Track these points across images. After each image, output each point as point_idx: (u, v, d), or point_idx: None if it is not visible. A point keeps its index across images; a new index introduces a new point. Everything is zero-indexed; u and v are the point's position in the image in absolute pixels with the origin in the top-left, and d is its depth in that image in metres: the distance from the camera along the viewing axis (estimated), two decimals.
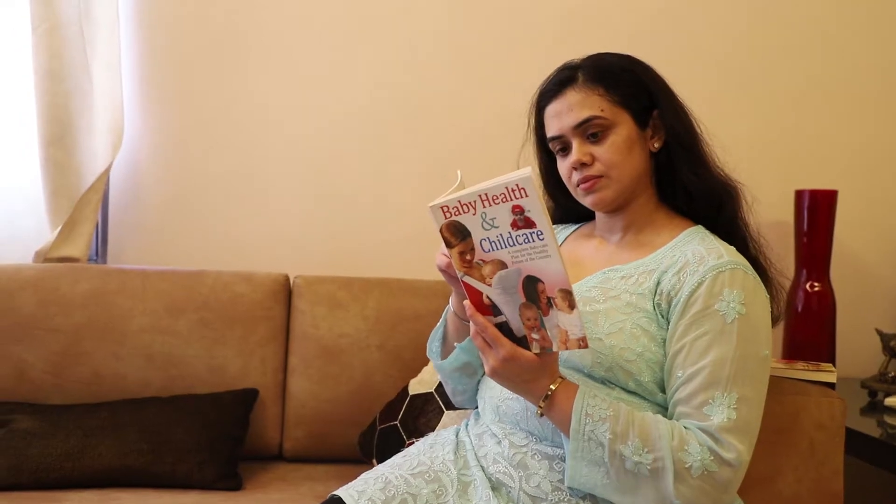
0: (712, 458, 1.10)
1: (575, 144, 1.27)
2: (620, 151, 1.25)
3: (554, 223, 1.43)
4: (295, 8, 2.22)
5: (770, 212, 2.25)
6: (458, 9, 2.25)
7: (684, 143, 1.29)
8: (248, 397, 1.89)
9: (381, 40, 2.24)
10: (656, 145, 1.29)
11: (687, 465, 1.10)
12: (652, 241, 1.30)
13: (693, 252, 1.22)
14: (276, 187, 2.23)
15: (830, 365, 1.56)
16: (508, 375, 1.14)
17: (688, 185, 1.28)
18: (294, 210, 2.23)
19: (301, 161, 2.24)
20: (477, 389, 1.40)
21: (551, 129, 1.30)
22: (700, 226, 1.30)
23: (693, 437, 1.12)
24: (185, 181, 2.20)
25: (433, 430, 1.61)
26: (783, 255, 2.19)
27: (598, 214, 1.37)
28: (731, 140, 2.27)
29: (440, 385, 1.70)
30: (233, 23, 2.21)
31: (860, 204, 2.27)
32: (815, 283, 2.12)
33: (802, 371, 1.50)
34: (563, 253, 1.07)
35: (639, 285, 1.24)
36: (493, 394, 1.30)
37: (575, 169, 1.27)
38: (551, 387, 1.15)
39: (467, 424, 1.38)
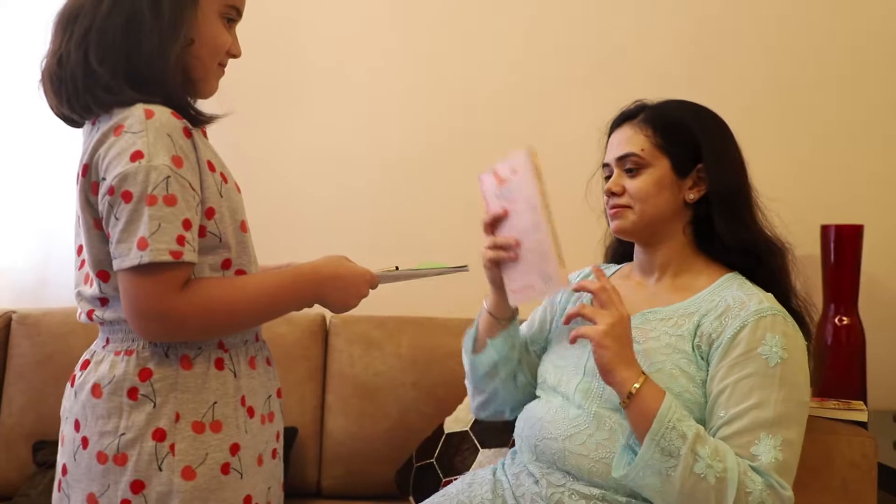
0: (770, 492, 1.14)
1: (615, 174, 1.37)
2: (648, 189, 1.33)
3: (611, 259, 1.57)
4: (335, 60, 2.31)
5: (797, 246, 2.26)
6: (491, 59, 2.32)
7: (725, 200, 1.34)
8: (288, 435, 1.93)
9: (417, 90, 2.32)
10: (692, 196, 1.35)
11: (748, 490, 1.13)
12: (690, 285, 1.35)
13: (733, 297, 1.27)
14: (310, 229, 2.30)
15: (861, 403, 1.57)
16: (620, 335, 1.20)
17: (723, 238, 1.33)
18: (328, 251, 2.28)
19: (336, 203, 2.31)
20: (495, 396, 1.47)
21: (606, 156, 1.42)
22: (737, 272, 1.35)
23: (751, 470, 1.15)
24: None
25: (469, 469, 1.65)
26: (811, 289, 2.21)
27: (635, 253, 1.44)
28: (757, 175, 2.31)
29: (475, 423, 1.74)
30: (276, 70, 2.29)
31: (887, 238, 2.28)
32: (844, 317, 2.13)
33: (833, 410, 1.52)
34: None
35: (678, 327, 1.28)
36: (532, 433, 1.35)
37: (607, 195, 1.38)
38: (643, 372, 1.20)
39: (504, 464, 1.42)
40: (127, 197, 1.03)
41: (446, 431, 1.81)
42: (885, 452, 1.76)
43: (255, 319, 1.15)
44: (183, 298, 1.05)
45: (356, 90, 2.33)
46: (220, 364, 1.13)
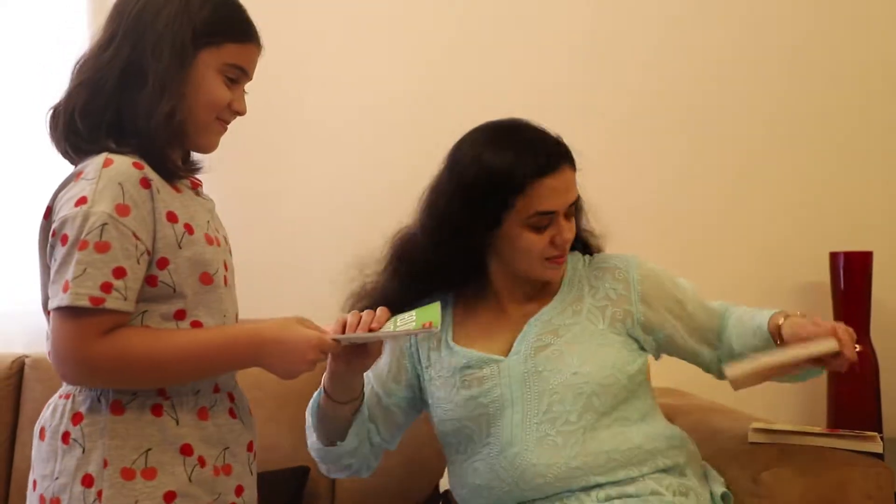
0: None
1: (565, 221, 1.35)
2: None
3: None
4: (334, 104, 2.37)
5: (806, 274, 2.29)
6: (490, 105, 2.34)
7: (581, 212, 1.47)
8: (300, 474, 1.94)
9: (416, 130, 2.35)
10: None
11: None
12: (549, 287, 1.42)
13: (599, 262, 1.45)
14: (314, 265, 2.31)
15: (875, 434, 1.56)
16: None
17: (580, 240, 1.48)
18: (335, 286, 2.30)
19: (337, 235, 2.33)
20: (349, 468, 1.45)
21: (548, 204, 1.31)
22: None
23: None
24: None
25: None
26: (822, 316, 2.21)
27: (502, 285, 1.42)
28: (767, 203, 2.33)
29: None
30: (272, 98, 2.32)
31: None
32: (856, 345, 2.12)
33: (848, 440, 1.50)
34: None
35: (576, 314, 1.37)
36: (485, 495, 1.35)
37: (555, 244, 1.34)
38: None
39: None
40: (63, 240, 1.07)
41: (442, 489, 1.79)
42: None
43: (179, 376, 1.12)
44: (99, 346, 1.05)
45: (355, 133, 2.37)
46: (157, 410, 1.12)
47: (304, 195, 2.36)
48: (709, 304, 1.47)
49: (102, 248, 1.05)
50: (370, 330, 1.18)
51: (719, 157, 2.33)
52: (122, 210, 1.06)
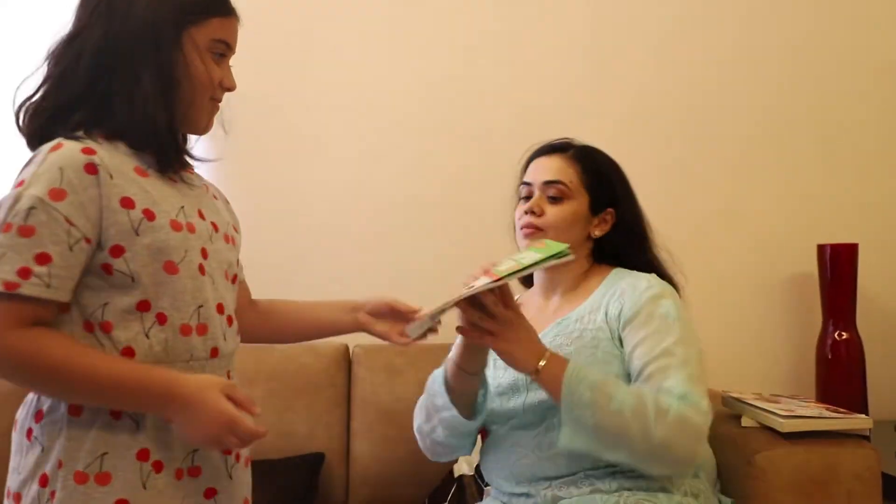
0: (686, 405, 1.24)
1: (536, 195, 1.49)
2: (565, 220, 1.47)
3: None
4: (352, 100, 2.41)
5: (795, 265, 2.37)
6: (503, 99, 2.42)
7: (634, 235, 1.54)
8: (316, 460, 2.02)
9: (434, 127, 2.42)
10: (597, 233, 1.51)
11: (664, 407, 1.24)
12: (586, 290, 1.50)
13: (626, 283, 1.44)
14: (330, 262, 2.38)
15: (863, 416, 1.63)
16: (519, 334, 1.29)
17: (630, 259, 1.52)
18: (349, 282, 2.37)
19: (353, 236, 2.39)
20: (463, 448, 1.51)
21: (527, 176, 1.54)
22: (618, 267, 1.51)
23: (664, 393, 1.27)
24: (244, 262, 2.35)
25: None
26: (810, 306, 2.31)
27: (536, 274, 1.56)
28: (757, 199, 2.40)
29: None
30: (283, 97, 2.38)
31: (881, 255, 2.37)
32: (843, 332, 2.22)
33: (837, 420, 1.56)
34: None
35: (592, 322, 1.43)
36: (507, 463, 1.44)
37: (525, 213, 1.49)
38: (546, 353, 1.30)
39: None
40: None
41: (457, 474, 1.87)
42: (887, 462, 1.82)
43: (81, 396, 1.04)
44: (13, 336, 0.99)
45: (372, 129, 2.42)
46: (116, 413, 1.06)
47: (317, 192, 2.41)
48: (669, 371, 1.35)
49: (26, 232, 0.99)
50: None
51: (714, 155, 2.41)
52: (56, 194, 1.01)
